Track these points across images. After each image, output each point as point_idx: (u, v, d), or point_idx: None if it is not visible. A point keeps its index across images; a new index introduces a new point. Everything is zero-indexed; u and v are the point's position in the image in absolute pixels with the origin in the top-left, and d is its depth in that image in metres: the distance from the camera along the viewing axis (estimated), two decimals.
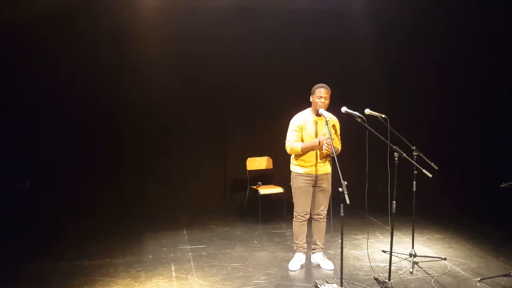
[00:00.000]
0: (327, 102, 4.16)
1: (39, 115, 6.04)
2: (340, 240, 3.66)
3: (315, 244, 4.49)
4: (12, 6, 5.54)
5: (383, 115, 4.02)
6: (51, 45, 5.90)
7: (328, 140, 3.95)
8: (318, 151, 4.18)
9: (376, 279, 4.06)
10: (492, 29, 6.65)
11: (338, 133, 4.35)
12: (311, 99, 4.23)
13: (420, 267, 4.38)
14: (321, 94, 4.13)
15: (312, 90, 4.21)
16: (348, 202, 3.38)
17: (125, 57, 6.20)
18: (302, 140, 4.21)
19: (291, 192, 4.38)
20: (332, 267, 4.37)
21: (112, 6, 5.93)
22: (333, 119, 4.29)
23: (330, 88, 4.19)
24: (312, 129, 4.20)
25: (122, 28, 6.04)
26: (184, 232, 5.59)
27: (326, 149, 4.04)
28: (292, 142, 4.22)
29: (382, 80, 6.97)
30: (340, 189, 3.44)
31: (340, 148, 4.33)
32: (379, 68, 6.94)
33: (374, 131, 3.85)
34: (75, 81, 6.09)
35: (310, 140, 4.16)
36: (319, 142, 4.04)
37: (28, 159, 6.02)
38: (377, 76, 6.98)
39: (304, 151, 4.18)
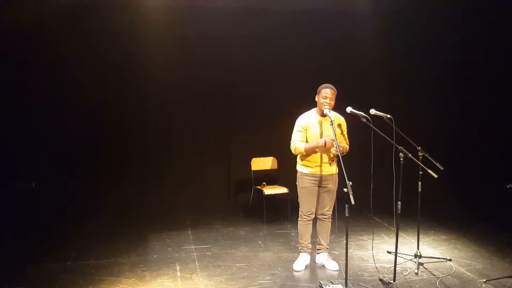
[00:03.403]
0: (333, 103, 4.14)
1: (44, 115, 6.07)
2: (345, 241, 3.65)
3: (320, 244, 4.48)
4: (17, 6, 5.57)
5: (389, 115, 4.00)
6: (56, 45, 5.94)
7: (334, 142, 3.92)
8: (323, 152, 4.18)
9: (381, 280, 4.05)
10: (494, 30, 6.62)
11: (345, 132, 4.33)
12: (316, 99, 4.22)
13: (425, 268, 4.36)
14: (326, 94, 4.11)
15: (318, 89, 4.19)
16: (353, 202, 3.37)
17: (129, 58, 6.22)
18: (307, 141, 4.20)
19: (297, 192, 4.38)
20: (336, 267, 4.36)
21: (116, 7, 5.95)
22: (339, 119, 4.28)
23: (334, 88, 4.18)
24: (316, 130, 4.19)
25: (127, 29, 6.07)
26: (189, 232, 5.59)
27: (334, 151, 4.05)
28: (296, 143, 4.21)
29: (385, 80, 6.95)
30: (345, 190, 3.44)
31: (348, 148, 4.32)
32: (382, 69, 6.93)
33: (379, 132, 3.84)
34: (80, 82, 6.12)
35: (314, 141, 4.14)
36: (325, 144, 4.01)
37: (34, 160, 6.04)
38: (380, 77, 6.97)
39: (308, 152, 4.17)
